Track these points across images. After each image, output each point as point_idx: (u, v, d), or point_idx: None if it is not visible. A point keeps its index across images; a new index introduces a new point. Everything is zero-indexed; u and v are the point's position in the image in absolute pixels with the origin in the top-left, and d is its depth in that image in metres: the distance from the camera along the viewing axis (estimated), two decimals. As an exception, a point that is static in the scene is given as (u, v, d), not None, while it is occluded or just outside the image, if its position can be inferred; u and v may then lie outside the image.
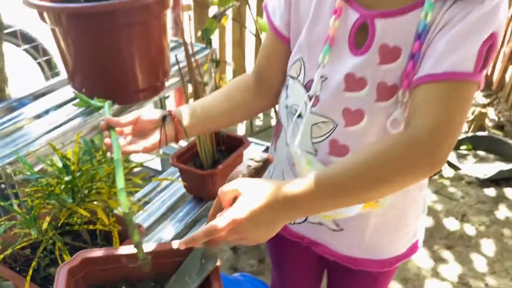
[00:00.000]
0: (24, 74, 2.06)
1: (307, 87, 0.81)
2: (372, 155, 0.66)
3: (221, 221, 0.61)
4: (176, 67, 1.48)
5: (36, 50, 2.06)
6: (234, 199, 0.65)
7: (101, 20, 1.19)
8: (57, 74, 2.04)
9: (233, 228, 0.62)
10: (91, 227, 0.98)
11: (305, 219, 0.90)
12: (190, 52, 1.41)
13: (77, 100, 1.14)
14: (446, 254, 1.95)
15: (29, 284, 0.95)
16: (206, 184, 1.46)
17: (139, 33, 1.27)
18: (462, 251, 1.96)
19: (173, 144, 1.32)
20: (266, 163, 0.73)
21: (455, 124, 0.66)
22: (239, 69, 2.84)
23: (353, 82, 0.74)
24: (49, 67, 2.07)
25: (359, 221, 0.85)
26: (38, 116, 1.35)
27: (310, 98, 0.80)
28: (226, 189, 0.66)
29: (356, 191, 0.66)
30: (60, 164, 1.00)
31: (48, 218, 0.93)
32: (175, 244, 0.65)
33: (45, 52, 2.09)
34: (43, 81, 2.08)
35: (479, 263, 1.90)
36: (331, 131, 0.79)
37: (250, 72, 0.94)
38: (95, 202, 1.00)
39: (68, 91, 1.44)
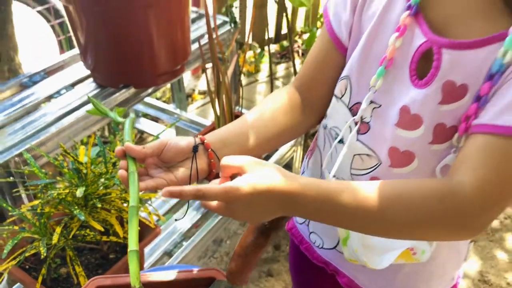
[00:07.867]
0: (36, 39, 1.96)
1: (352, 110, 0.71)
2: (400, 198, 0.57)
3: (216, 188, 0.54)
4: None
5: (49, 11, 1.94)
6: (234, 175, 0.58)
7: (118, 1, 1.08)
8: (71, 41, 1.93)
9: (226, 201, 0.55)
10: (104, 238, 0.92)
11: (335, 246, 0.83)
12: (212, 26, 1.30)
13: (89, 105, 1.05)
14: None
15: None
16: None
17: (158, 14, 1.15)
18: (485, 246, 1.89)
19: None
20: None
21: (507, 189, 0.55)
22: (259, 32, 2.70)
23: (407, 118, 0.64)
24: (62, 31, 1.96)
25: (391, 264, 0.74)
26: (50, 97, 1.26)
27: (356, 124, 0.70)
28: (232, 162, 0.58)
29: (363, 228, 0.62)
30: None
31: (58, 230, 0.86)
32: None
33: (57, 14, 1.97)
34: (56, 46, 1.98)
35: (502, 259, 1.84)
36: (374, 167, 0.69)
37: (290, 86, 0.79)
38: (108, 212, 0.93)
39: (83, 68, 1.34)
